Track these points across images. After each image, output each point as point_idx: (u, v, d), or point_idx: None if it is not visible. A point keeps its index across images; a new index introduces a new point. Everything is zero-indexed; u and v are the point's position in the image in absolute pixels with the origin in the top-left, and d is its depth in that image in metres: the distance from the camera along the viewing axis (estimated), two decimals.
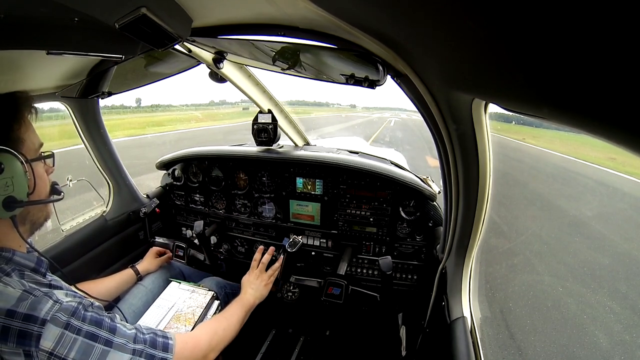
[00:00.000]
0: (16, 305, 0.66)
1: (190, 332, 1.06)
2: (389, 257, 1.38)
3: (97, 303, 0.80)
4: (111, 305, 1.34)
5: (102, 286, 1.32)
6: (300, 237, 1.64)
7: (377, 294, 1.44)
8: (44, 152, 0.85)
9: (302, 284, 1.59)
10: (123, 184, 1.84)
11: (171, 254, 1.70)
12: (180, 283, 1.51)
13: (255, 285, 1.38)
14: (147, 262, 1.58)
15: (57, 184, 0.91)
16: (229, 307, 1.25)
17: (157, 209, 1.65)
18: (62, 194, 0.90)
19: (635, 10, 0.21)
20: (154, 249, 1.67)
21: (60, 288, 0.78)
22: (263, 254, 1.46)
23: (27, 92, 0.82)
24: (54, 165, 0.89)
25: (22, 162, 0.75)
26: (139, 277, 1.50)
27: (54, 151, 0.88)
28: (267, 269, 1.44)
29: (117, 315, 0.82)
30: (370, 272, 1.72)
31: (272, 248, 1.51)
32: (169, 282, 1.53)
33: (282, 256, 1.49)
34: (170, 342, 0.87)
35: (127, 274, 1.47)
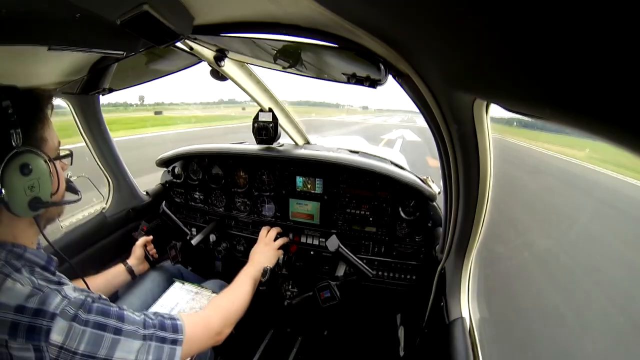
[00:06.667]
0: (26, 301, 0.66)
1: (199, 312, 1.05)
2: (334, 235, 1.42)
3: (104, 296, 0.80)
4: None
5: (93, 283, 1.26)
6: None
7: (356, 275, 1.46)
8: (61, 150, 0.86)
9: (299, 301, 1.59)
10: (123, 181, 1.84)
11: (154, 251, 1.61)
12: (184, 283, 1.51)
13: (265, 251, 1.43)
14: (135, 259, 1.49)
15: (71, 181, 0.92)
16: (237, 279, 1.24)
17: (144, 227, 1.70)
18: (79, 193, 0.91)
19: None
20: (139, 244, 1.55)
21: (68, 284, 0.77)
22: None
23: (49, 88, 0.82)
24: (72, 164, 0.90)
25: (47, 162, 0.76)
26: (129, 269, 1.43)
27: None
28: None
29: (125, 306, 0.81)
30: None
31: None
32: (170, 282, 1.53)
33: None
34: (178, 322, 0.86)
35: (117, 268, 1.41)
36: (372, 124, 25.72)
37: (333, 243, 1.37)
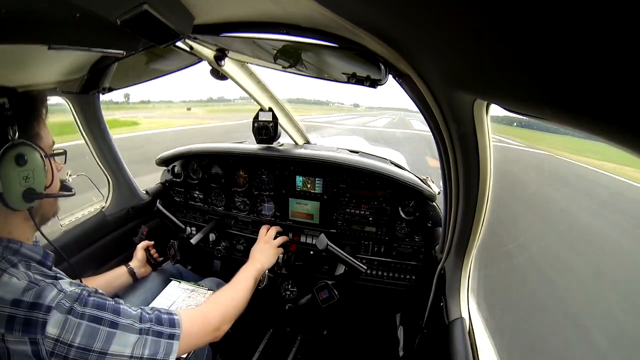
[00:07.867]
0: (22, 295, 0.66)
1: (197, 308, 1.04)
2: (323, 234, 1.43)
3: (100, 290, 0.80)
4: None
5: (94, 283, 1.27)
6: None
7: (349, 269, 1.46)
8: (55, 150, 0.87)
9: (299, 306, 1.59)
10: (122, 180, 1.84)
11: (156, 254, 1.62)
12: (180, 282, 1.51)
13: (265, 250, 1.43)
14: (137, 261, 1.50)
15: (66, 181, 0.93)
16: (237, 276, 1.23)
17: (144, 231, 1.72)
18: (73, 190, 0.92)
19: None
20: (141, 246, 1.55)
21: (64, 279, 0.78)
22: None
23: (41, 90, 0.85)
24: (65, 163, 0.92)
25: (41, 157, 0.78)
26: (131, 271, 1.44)
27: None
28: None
29: (121, 301, 0.81)
30: (368, 271, 1.72)
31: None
32: (168, 281, 1.53)
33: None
34: (175, 317, 0.86)
35: (118, 270, 1.42)
36: (344, 129, 16.80)
37: (322, 241, 1.39)
